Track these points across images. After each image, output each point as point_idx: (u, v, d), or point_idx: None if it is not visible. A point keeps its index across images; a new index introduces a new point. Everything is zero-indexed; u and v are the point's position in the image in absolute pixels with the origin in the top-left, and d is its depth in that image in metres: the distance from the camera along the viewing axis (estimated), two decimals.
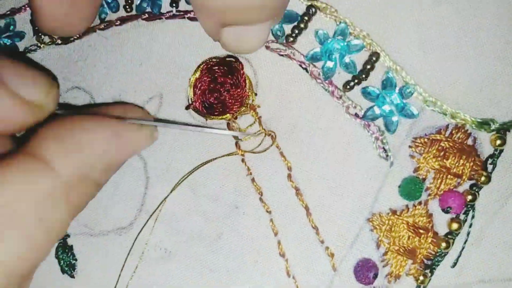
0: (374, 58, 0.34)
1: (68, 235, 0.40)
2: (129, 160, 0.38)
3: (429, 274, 0.34)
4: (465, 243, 0.34)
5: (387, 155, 0.35)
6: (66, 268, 0.42)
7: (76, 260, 0.42)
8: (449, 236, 0.34)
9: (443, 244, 0.33)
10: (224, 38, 0.32)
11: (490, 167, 0.34)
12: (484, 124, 0.33)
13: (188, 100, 0.38)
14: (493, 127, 0.33)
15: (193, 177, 0.38)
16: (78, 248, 0.41)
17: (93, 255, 0.41)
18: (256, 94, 0.36)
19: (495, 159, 0.33)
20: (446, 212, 0.34)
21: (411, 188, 0.34)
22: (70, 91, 0.40)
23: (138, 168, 0.40)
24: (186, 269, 0.39)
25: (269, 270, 0.38)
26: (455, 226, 0.33)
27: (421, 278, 0.34)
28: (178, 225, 0.39)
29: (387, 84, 0.34)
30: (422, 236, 0.34)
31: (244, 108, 0.37)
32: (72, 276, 0.42)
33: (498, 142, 0.33)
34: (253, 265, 0.38)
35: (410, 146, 0.34)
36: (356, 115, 0.35)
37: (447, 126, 0.34)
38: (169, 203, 0.40)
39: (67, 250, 0.42)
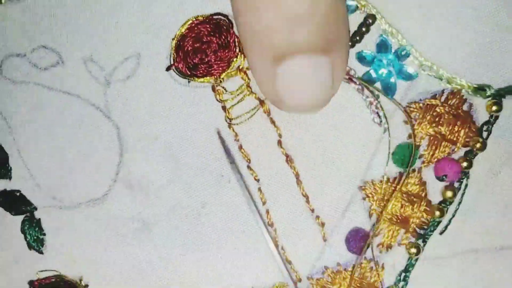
0: (370, 21, 0.22)
1: (35, 208, 0.30)
2: (100, 125, 0.29)
3: (422, 244, 0.22)
4: (455, 211, 0.27)
5: (380, 121, 0.22)
6: (34, 244, 0.30)
7: (44, 234, 0.30)
8: (443, 205, 0.22)
9: (437, 213, 0.28)
10: (280, 81, 0.21)
11: (485, 134, 0.22)
12: (480, 89, 0.23)
13: (170, 60, 0.28)
14: (489, 92, 0.27)
15: (175, 143, 0.29)
16: (47, 222, 0.30)
17: (63, 229, 0.29)
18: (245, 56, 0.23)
19: (490, 126, 0.22)
20: (441, 180, 0.28)
21: (405, 154, 0.28)
22: (36, 50, 0.29)
23: (110, 134, 0.29)
24: (166, 242, 0.29)
25: (257, 241, 0.28)
26: (449, 194, 0.27)
27: (413, 250, 0.22)
28: (157, 195, 0.29)
29: (382, 46, 0.22)
30: (415, 204, 0.22)
31: (231, 70, 0.28)
32: (41, 252, 0.30)
33: (494, 108, 0.23)
34: (240, 235, 0.29)
35: (404, 111, 0.22)
36: (350, 79, 0.22)
37: (442, 91, 0.23)
38: (147, 171, 0.29)
39: (34, 225, 0.30)
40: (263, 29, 0.21)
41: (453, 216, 0.27)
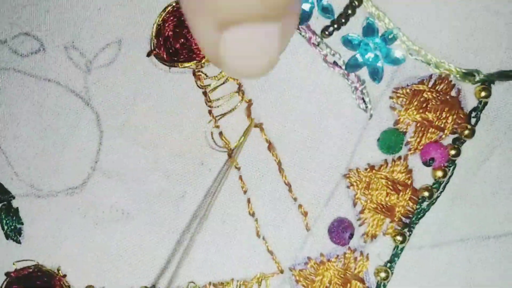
0: (356, 3, 0.19)
1: (12, 197, 0.28)
2: (79, 112, 0.27)
3: (408, 233, 0.19)
4: (439, 194, 0.25)
5: (366, 107, 0.21)
6: (11, 233, 0.28)
7: (22, 224, 0.27)
8: (433, 186, 0.25)
9: (426, 193, 0.25)
10: (225, 47, 0.19)
11: (473, 120, 0.19)
12: (468, 75, 0.21)
13: (151, 46, 0.26)
14: (477, 78, 0.25)
15: (155, 131, 0.27)
16: (24, 211, 0.27)
17: (41, 219, 0.27)
18: None
19: (479, 112, 0.20)
20: (428, 165, 0.25)
21: (391, 140, 0.25)
22: (17, 37, 0.27)
23: (89, 121, 0.27)
24: (145, 232, 0.27)
25: (237, 231, 0.26)
26: (439, 173, 0.25)
27: (399, 237, 0.20)
28: (137, 184, 0.27)
29: (369, 30, 0.20)
30: (401, 192, 0.19)
31: None
32: (18, 242, 0.27)
33: (483, 94, 0.22)
34: (220, 225, 0.26)
35: (391, 97, 0.21)
36: (335, 63, 0.19)
37: (430, 77, 0.20)
38: (126, 159, 0.27)
39: (11, 214, 0.28)
40: None
41: (437, 198, 0.25)
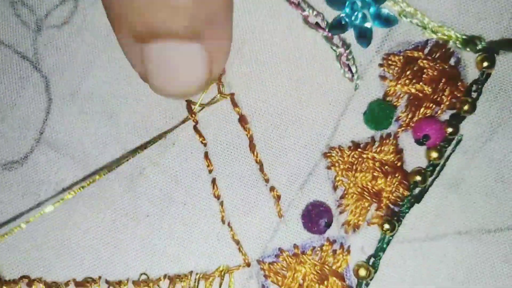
0: None
1: None
2: (25, 77, 0.24)
3: (396, 223, 0.14)
4: (434, 179, 0.21)
5: (352, 75, 0.22)
6: None
7: None
8: (426, 169, 0.21)
9: (417, 177, 0.21)
10: (147, 63, 0.18)
11: (474, 94, 0.15)
12: (470, 42, 0.22)
13: None
14: (480, 46, 0.21)
15: (114, 100, 0.23)
16: None
17: None
18: None
19: (481, 85, 0.22)
20: (421, 143, 0.22)
21: (379, 114, 0.22)
22: None
23: (36, 86, 0.24)
24: (96, 214, 0.23)
25: (199, 215, 0.23)
26: (434, 154, 0.21)
27: (387, 225, 0.17)
28: (88, 159, 0.23)
29: None
30: (390, 176, 0.21)
31: None
32: None
33: (485, 64, 0.22)
34: (180, 208, 0.23)
35: (380, 65, 0.18)
36: (317, 25, 0.15)
37: (426, 42, 0.17)
38: (76, 131, 0.24)
39: None
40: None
41: (432, 183, 0.21)
